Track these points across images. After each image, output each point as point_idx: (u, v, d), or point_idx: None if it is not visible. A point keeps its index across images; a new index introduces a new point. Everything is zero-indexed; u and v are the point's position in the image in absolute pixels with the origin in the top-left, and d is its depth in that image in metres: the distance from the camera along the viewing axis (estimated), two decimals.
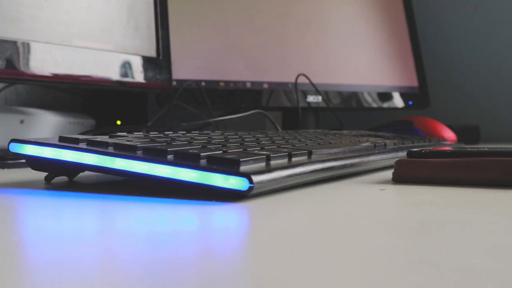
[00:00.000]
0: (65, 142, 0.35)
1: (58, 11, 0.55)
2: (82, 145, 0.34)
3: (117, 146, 0.33)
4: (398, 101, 0.99)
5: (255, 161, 0.32)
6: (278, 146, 0.40)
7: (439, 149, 0.43)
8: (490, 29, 1.11)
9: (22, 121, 0.61)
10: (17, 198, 0.32)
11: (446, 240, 0.21)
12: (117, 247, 0.20)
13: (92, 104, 0.89)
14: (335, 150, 0.43)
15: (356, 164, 0.42)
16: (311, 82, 0.87)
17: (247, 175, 0.29)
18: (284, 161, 0.35)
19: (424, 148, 0.43)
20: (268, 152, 0.35)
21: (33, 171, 0.36)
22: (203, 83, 0.79)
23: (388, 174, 0.41)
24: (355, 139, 0.56)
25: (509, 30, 1.09)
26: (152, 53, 0.64)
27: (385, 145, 0.53)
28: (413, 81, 1.01)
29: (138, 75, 0.62)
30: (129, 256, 0.18)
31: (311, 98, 0.89)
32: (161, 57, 0.65)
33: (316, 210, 0.29)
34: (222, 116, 0.73)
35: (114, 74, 0.59)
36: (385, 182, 0.39)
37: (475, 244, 0.21)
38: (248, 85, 0.84)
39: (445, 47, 1.14)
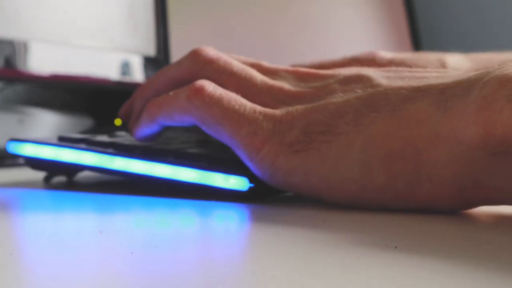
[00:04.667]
0: (64, 141, 0.35)
1: (57, 10, 0.54)
2: (81, 145, 0.34)
3: (116, 145, 0.33)
4: None
5: None
6: None
7: None
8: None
9: (20, 120, 0.61)
10: (15, 197, 0.32)
11: None
12: (117, 247, 0.20)
13: (91, 103, 0.88)
14: None
15: None
16: None
17: (247, 175, 0.29)
18: None
19: None
20: None
21: (32, 170, 0.36)
22: None
23: None
24: None
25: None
26: (152, 52, 0.64)
27: None
28: None
29: (138, 74, 0.62)
30: (129, 256, 0.18)
31: None
32: (160, 56, 0.65)
33: (317, 210, 0.28)
34: None
35: (113, 73, 0.59)
36: None
37: None
38: None
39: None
